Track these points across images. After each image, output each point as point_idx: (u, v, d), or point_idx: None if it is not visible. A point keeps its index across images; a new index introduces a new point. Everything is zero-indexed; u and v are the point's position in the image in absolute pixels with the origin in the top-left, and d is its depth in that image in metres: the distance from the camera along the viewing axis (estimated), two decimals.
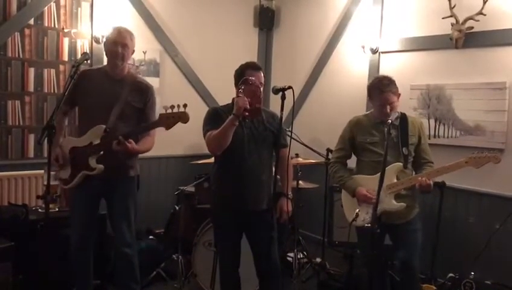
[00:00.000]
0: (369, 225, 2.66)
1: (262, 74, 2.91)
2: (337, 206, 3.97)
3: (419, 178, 2.84)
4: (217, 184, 3.00)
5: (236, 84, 2.89)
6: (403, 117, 3.02)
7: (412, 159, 3.03)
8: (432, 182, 2.83)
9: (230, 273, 3.03)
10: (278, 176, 2.96)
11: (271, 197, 2.87)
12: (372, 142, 3.00)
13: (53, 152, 3.06)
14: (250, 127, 2.89)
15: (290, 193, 3.03)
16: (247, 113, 2.67)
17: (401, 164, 2.91)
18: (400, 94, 2.99)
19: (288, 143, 2.98)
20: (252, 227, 2.96)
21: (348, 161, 3.19)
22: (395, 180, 2.91)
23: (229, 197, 2.92)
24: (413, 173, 3.02)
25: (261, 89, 2.82)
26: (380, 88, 2.93)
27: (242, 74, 2.86)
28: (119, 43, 3.00)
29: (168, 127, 2.84)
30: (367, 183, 2.97)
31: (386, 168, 2.73)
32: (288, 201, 3.00)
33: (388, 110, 2.90)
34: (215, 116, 2.87)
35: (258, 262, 2.99)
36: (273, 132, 2.92)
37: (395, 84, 2.96)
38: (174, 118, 2.78)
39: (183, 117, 2.78)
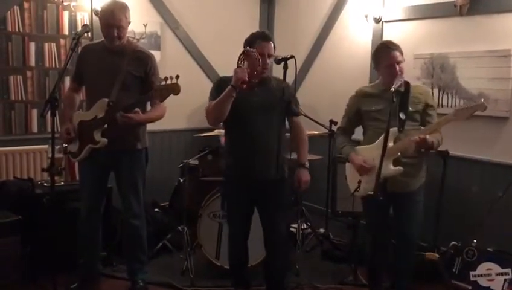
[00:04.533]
0: (372, 192, 2.67)
1: (272, 45, 2.86)
2: (340, 177, 3.99)
3: (412, 138, 2.76)
4: (227, 154, 2.99)
5: None
6: (407, 84, 2.96)
7: (413, 124, 2.92)
8: (426, 136, 2.73)
9: (239, 243, 3.06)
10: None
11: (282, 167, 2.85)
12: (377, 110, 2.95)
13: (64, 126, 3.09)
14: (260, 95, 2.84)
15: (306, 162, 3.00)
16: (244, 86, 2.65)
17: (395, 129, 2.82)
18: (404, 60, 2.93)
19: (300, 112, 2.95)
20: (261, 197, 2.93)
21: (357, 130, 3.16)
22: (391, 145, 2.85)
23: (239, 166, 2.90)
24: None
25: (268, 59, 2.81)
26: (388, 46, 2.91)
27: (252, 44, 2.82)
28: (114, 26, 2.94)
29: (162, 99, 2.87)
30: (365, 153, 2.95)
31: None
32: (306, 170, 2.98)
33: (397, 70, 2.85)
34: (219, 87, 2.83)
35: (265, 233, 2.99)
36: (284, 100, 2.86)
37: (400, 48, 2.93)
38: (167, 90, 2.79)
39: (174, 88, 2.78)
